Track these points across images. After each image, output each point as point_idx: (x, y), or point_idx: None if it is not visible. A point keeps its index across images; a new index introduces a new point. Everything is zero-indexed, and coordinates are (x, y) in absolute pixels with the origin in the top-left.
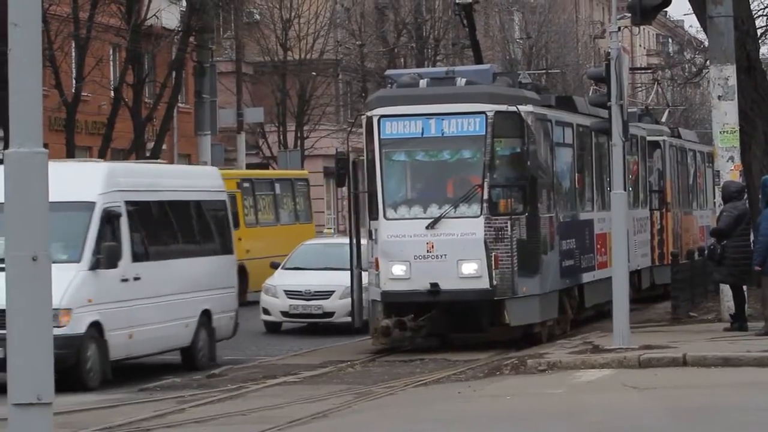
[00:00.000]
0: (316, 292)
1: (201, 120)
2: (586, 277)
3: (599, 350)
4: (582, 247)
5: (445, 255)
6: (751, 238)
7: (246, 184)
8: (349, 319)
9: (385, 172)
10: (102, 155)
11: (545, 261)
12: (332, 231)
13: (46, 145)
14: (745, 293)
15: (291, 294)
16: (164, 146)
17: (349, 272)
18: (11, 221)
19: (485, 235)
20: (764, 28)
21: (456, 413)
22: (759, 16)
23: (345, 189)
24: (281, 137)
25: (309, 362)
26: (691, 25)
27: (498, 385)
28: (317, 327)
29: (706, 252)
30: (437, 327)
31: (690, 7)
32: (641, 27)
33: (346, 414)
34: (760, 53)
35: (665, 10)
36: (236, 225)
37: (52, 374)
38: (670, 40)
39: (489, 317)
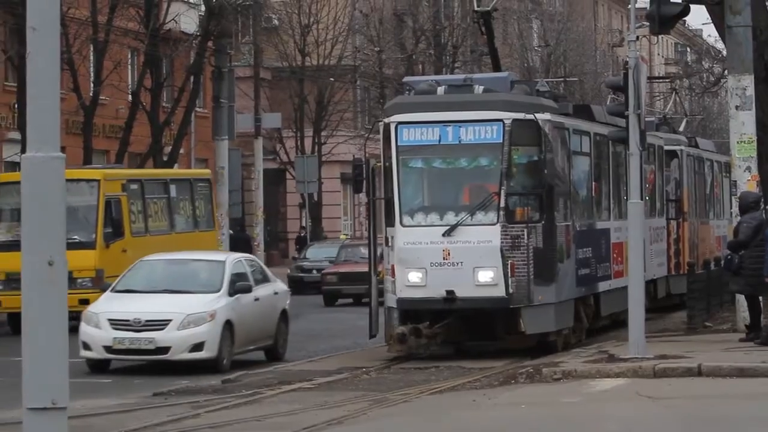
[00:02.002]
0: (147, 321)
1: (218, 125)
2: (602, 286)
3: (614, 359)
4: (598, 255)
5: (462, 262)
6: None
7: (133, 186)
8: (192, 355)
9: (402, 179)
10: (119, 159)
11: (561, 269)
12: (347, 236)
13: (62, 149)
14: (761, 304)
15: (116, 324)
16: (182, 150)
17: (196, 296)
18: (28, 225)
19: (501, 242)
20: None
21: (470, 421)
22: None
23: (362, 195)
24: (299, 143)
25: (324, 368)
26: (710, 34)
27: (513, 393)
28: (161, 365)
29: (722, 262)
30: (453, 335)
31: (708, 16)
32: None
33: (360, 421)
34: None
35: (684, 19)
36: (121, 234)
37: (67, 378)
38: (688, 50)
39: (504, 325)
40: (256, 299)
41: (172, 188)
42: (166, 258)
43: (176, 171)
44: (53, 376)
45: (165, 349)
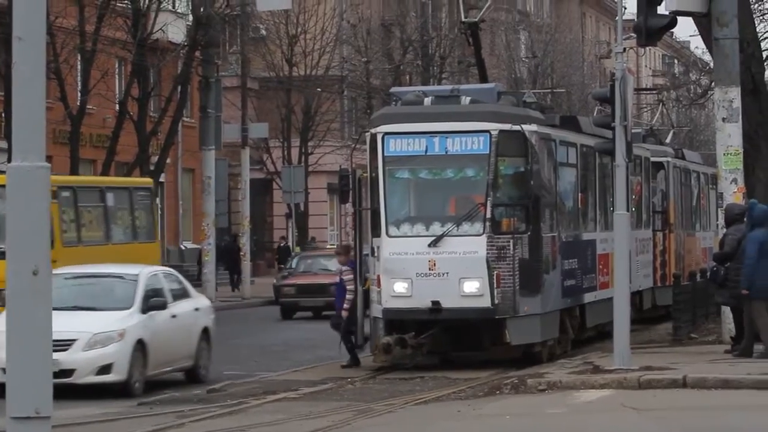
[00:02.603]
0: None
1: (205, 134)
2: (588, 297)
3: (599, 371)
4: (584, 267)
5: (447, 273)
6: None
7: (65, 193)
8: (99, 378)
9: (388, 190)
10: (106, 169)
11: (547, 280)
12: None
13: (49, 158)
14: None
15: None
16: (168, 160)
17: (105, 313)
18: (12, 234)
19: (487, 253)
20: None
21: None
22: (765, 39)
23: (348, 205)
24: (285, 153)
25: (309, 378)
26: (697, 46)
27: (498, 404)
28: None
29: (708, 274)
30: (438, 345)
31: (696, 28)
32: (647, 48)
33: (345, 431)
34: (766, 76)
35: (671, 31)
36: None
37: (50, 388)
38: (675, 61)
39: (490, 336)
40: (174, 316)
41: (109, 197)
42: (74, 272)
43: (114, 179)
44: (37, 386)
45: (69, 372)
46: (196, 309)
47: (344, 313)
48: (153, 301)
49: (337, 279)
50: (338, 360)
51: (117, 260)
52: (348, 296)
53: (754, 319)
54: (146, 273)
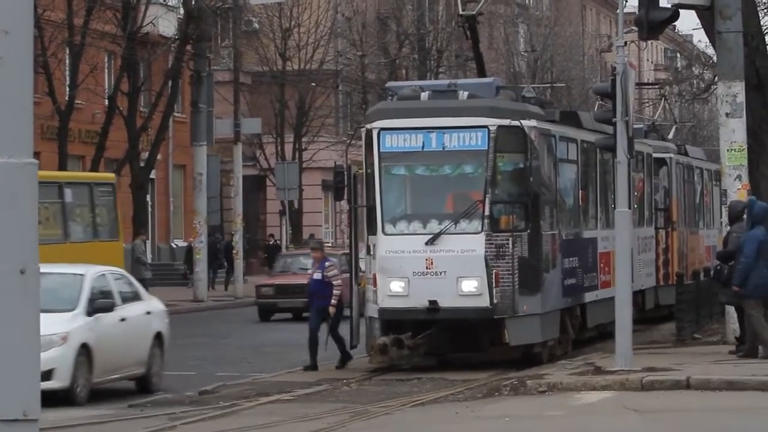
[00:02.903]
0: None
1: (197, 130)
2: (589, 297)
3: (601, 372)
4: (585, 265)
5: (445, 272)
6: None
7: None
8: (57, 384)
9: (384, 187)
10: (95, 165)
11: (547, 279)
12: (329, 244)
13: (37, 154)
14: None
15: None
16: (159, 156)
17: (46, 315)
18: None
19: (486, 252)
20: None
21: None
22: None
23: (343, 203)
24: (279, 149)
25: (303, 380)
26: (700, 39)
27: (496, 406)
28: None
29: (712, 273)
30: (435, 346)
31: (699, 21)
32: (649, 41)
33: None
34: None
35: (673, 24)
36: None
37: (38, 389)
38: (678, 55)
39: (489, 336)
40: (123, 320)
41: (68, 193)
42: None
43: (73, 174)
44: (24, 387)
45: None
46: (148, 312)
47: (332, 310)
48: (99, 303)
49: (315, 276)
50: (333, 361)
51: (76, 260)
52: (335, 291)
53: (747, 317)
54: (93, 273)
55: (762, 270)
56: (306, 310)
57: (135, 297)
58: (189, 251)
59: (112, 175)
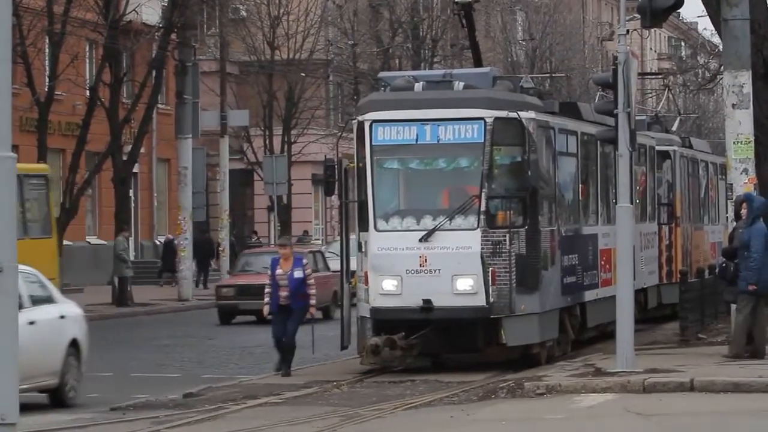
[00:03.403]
0: None
1: (182, 122)
2: (589, 295)
3: (601, 373)
4: (585, 263)
5: (439, 270)
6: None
7: None
8: None
9: (376, 181)
10: (76, 158)
11: (545, 277)
12: (320, 242)
13: (16, 148)
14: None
15: None
16: (142, 150)
17: None
18: None
19: (482, 249)
20: None
21: None
22: None
23: (334, 198)
24: (267, 142)
25: (292, 382)
26: (705, 27)
27: (493, 409)
28: None
29: (717, 270)
30: (430, 346)
31: (704, 8)
32: (652, 29)
33: None
34: None
35: (678, 11)
36: None
37: (16, 394)
38: (682, 44)
39: (485, 336)
40: (32, 323)
41: None
42: None
43: None
44: (2, 391)
45: None
46: (62, 317)
47: (314, 311)
48: None
49: (296, 275)
50: (323, 362)
51: None
52: (311, 291)
53: (736, 312)
54: None
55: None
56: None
57: (48, 299)
58: (166, 247)
59: (45, 165)
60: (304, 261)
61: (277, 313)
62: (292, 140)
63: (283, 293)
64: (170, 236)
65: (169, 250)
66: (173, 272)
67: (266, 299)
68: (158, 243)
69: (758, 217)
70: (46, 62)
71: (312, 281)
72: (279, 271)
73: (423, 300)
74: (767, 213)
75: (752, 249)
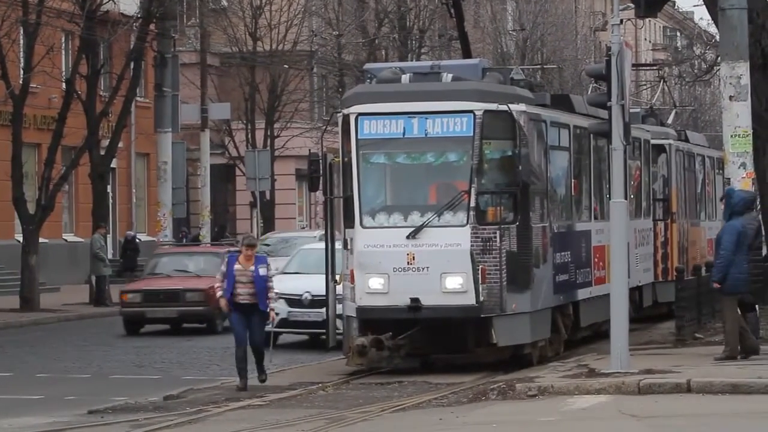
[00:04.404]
0: None
1: (161, 116)
2: (582, 294)
3: (595, 374)
4: (578, 260)
5: (428, 267)
6: (764, 252)
7: None
8: None
9: (362, 176)
10: (52, 153)
11: (537, 275)
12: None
13: None
14: (756, 313)
15: None
16: (120, 144)
17: None
18: None
19: (472, 246)
20: None
21: None
22: None
23: (318, 193)
24: (249, 136)
25: (276, 384)
26: (702, 17)
27: (483, 411)
28: None
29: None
30: (418, 346)
31: None
32: (646, 19)
33: None
34: None
35: (673, 0)
36: None
37: None
38: (678, 34)
39: (475, 336)
40: None
41: None
42: None
43: None
44: None
45: None
46: None
47: (273, 314)
48: None
49: (261, 272)
50: (307, 363)
51: None
52: (271, 294)
53: (722, 312)
54: None
55: (741, 264)
56: (183, 320)
57: None
58: (127, 245)
59: None
60: (268, 260)
61: (237, 313)
62: (276, 134)
63: (244, 290)
64: (131, 233)
65: (130, 248)
66: (133, 271)
67: (219, 293)
68: (138, 241)
69: (736, 213)
70: (21, 54)
71: (273, 283)
72: (238, 267)
73: (411, 299)
74: (747, 209)
75: (721, 246)
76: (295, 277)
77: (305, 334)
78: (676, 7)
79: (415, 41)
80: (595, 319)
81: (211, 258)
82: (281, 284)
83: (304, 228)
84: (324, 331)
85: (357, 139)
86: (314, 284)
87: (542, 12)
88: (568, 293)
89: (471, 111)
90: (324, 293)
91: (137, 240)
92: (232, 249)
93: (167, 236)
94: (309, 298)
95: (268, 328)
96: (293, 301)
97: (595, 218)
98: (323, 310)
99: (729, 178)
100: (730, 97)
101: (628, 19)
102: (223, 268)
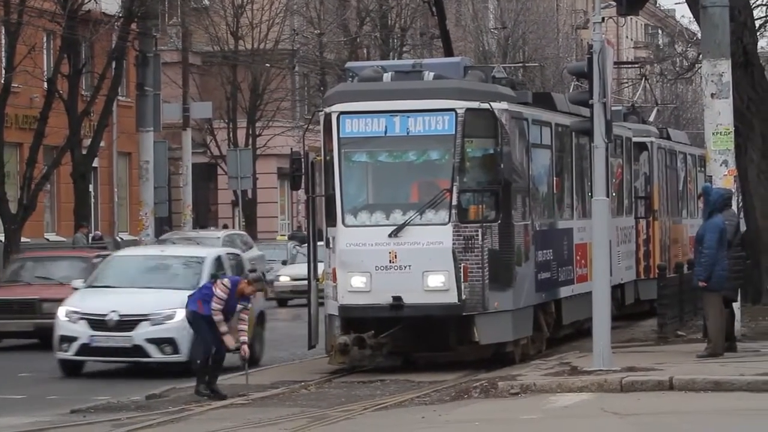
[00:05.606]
0: None
1: (143, 115)
2: (564, 292)
3: (577, 372)
4: (560, 258)
5: (410, 266)
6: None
7: None
8: None
9: (344, 175)
10: (33, 152)
11: (519, 273)
12: (285, 238)
13: None
14: (733, 309)
15: None
16: (102, 143)
17: None
18: None
19: (454, 244)
20: (763, 19)
21: None
22: (757, 6)
23: (300, 192)
24: (231, 135)
25: (258, 382)
26: (684, 15)
27: (466, 409)
28: None
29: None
30: (400, 345)
31: None
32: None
33: None
34: (758, 47)
35: None
36: None
37: None
38: (659, 32)
39: (457, 334)
40: None
41: None
42: None
43: None
44: None
45: None
46: None
47: (217, 318)
48: None
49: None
50: (288, 362)
51: None
52: (215, 306)
53: (705, 310)
54: None
55: (724, 261)
56: (36, 334)
57: None
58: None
59: None
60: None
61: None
62: (257, 133)
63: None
64: (98, 233)
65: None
66: None
67: (223, 329)
68: (120, 240)
69: (715, 210)
70: (2, 53)
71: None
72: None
73: (393, 297)
74: (726, 205)
75: (705, 244)
76: (101, 292)
77: (111, 362)
78: (657, 5)
79: (397, 40)
80: (577, 316)
81: (77, 263)
82: (82, 302)
83: (225, 227)
84: (136, 359)
85: (339, 138)
86: (124, 301)
87: (524, 10)
88: (551, 291)
89: (453, 109)
90: (136, 312)
91: (104, 240)
92: (102, 253)
93: (149, 235)
94: (115, 318)
95: (66, 354)
96: (96, 323)
97: (578, 216)
98: (132, 333)
99: (711, 176)
100: (712, 95)
101: (610, 17)
102: (224, 295)
